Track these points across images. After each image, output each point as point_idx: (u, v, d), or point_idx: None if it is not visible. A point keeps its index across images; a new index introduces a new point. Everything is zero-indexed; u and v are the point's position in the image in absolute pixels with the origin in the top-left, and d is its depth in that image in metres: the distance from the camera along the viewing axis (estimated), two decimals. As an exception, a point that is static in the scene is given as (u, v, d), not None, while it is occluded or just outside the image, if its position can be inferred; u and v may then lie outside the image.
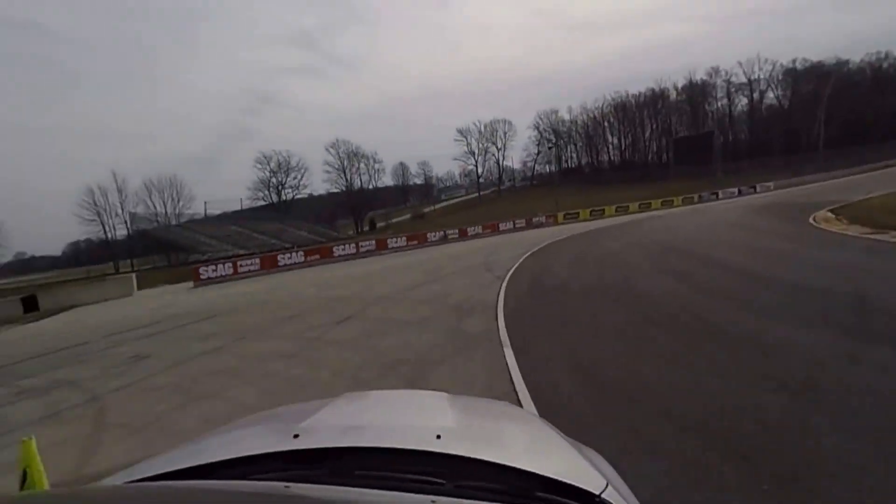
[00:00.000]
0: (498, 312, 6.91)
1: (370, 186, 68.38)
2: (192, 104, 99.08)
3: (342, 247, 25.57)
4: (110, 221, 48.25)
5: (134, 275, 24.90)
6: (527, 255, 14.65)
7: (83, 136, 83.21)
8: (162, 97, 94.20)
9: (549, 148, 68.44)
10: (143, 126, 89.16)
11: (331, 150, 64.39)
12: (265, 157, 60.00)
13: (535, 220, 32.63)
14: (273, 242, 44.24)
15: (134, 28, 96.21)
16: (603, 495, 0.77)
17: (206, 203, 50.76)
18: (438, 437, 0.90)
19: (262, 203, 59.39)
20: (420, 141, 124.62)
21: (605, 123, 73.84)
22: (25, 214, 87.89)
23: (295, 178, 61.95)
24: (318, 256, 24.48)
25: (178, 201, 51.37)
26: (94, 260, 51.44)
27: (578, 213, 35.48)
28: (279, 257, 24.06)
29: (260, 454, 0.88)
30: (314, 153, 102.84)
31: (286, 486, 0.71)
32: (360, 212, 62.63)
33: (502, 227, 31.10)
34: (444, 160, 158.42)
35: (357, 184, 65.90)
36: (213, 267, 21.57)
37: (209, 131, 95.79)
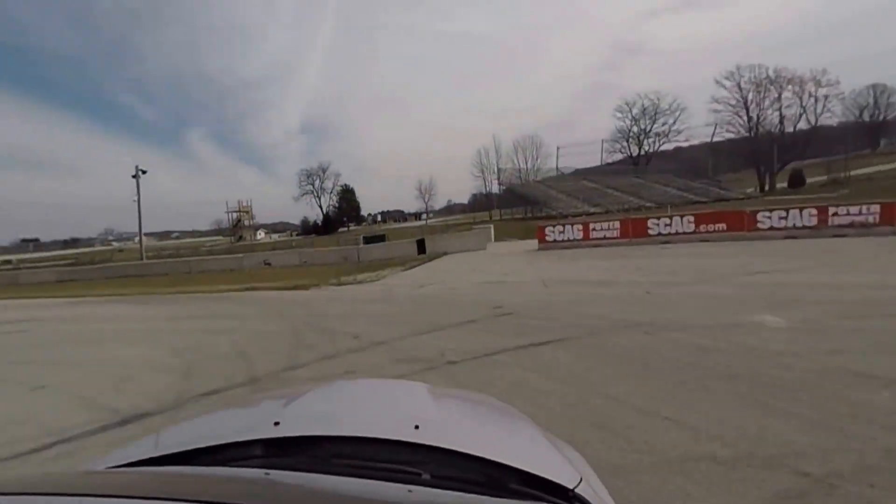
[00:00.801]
0: None
1: (794, 127, 43.69)
2: (556, 72, 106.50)
3: (777, 214, 13.38)
4: (489, 177, 56.26)
5: (492, 227, 25.44)
6: None
7: (483, 113, 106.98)
8: (534, 72, 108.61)
9: None
10: (522, 97, 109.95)
11: (725, 81, 44.71)
12: (627, 105, 52.40)
13: None
14: (629, 200, 36.37)
15: (519, 22, 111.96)
16: (577, 490, 0.76)
17: (558, 149, 49.93)
18: (417, 427, 0.89)
19: (620, 156, 53.49)
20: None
21: None
22: (452, 172, 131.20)
23: (664, 123, 51.11)
24: (723, 227, 13.90)
25: (537, 159, 53.72)
26: (481, 208, 61.53)
27: None
28: (650, 223, 15.33)
29: (241, 441, 0.87)
30: (693, 94, 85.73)
31: (266, 474, 0.72)
32: (771, 161, 42.64)
33: None
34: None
35: (770, 122, 43.98)
36: (561, 228, 16.60)
37: (569, 94, 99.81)
